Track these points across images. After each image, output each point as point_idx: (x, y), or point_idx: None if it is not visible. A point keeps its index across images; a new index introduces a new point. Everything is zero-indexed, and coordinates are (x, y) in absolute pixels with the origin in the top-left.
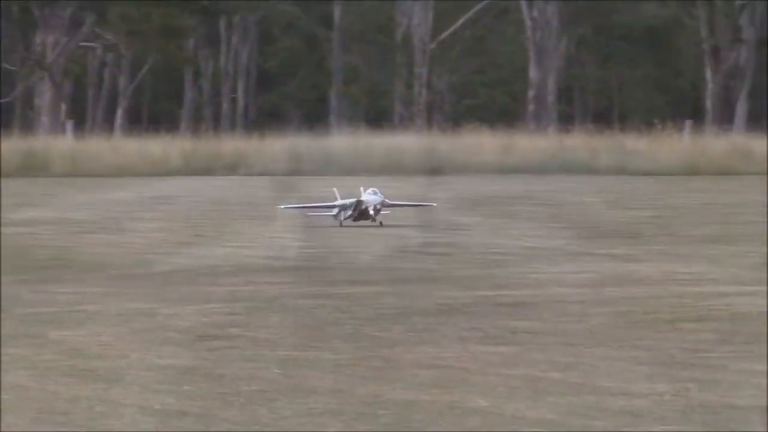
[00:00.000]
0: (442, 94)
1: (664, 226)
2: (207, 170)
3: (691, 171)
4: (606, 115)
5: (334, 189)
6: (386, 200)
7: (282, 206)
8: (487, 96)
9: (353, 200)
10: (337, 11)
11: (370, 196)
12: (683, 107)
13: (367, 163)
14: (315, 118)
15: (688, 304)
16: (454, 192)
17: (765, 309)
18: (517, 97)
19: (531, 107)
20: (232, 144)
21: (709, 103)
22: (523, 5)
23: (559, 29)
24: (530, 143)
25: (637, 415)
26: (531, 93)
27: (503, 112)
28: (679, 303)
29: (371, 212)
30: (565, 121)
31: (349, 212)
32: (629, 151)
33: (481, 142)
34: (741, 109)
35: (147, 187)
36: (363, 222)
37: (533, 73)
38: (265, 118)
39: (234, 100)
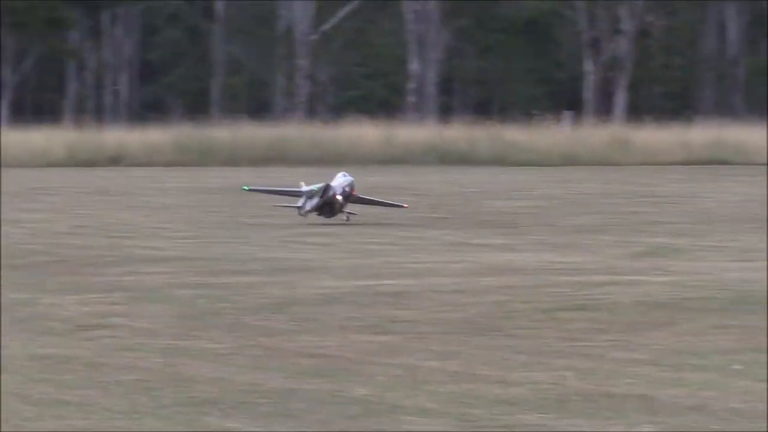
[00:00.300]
0: (323, 86)
1: (542, 216)
2: (90, 161)
3: (570, 161)
4: (486, 106)
5: (302, 183)
6: (354, 187)
7: (246, 188)
8: (368, 88)
9: (321, 185)
10: (219, 3)
11: (338, 179)
12: (563, 98)
13: (250, 153)
14: (197, 109)
15: (566, 294)
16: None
17: (641, 299)
18: (398, 88)
19: (411, 99)
20: (115, 135)
21: (588, 94)
22: None
23: (439, 21)
24: (411, 134)
25: (514, 404)
26: (411, 85)
27: (384, 103)
28: (556, 293)
29: (339, 198)
30: (446, 112)
31: (315, 200)
32: (509, 142)
33: (362, 134)
34: (620, 100)
35: (30, 179)
36: (318, 215)
37: (413, 65)
38: (147, 110)
39: (117, 92)
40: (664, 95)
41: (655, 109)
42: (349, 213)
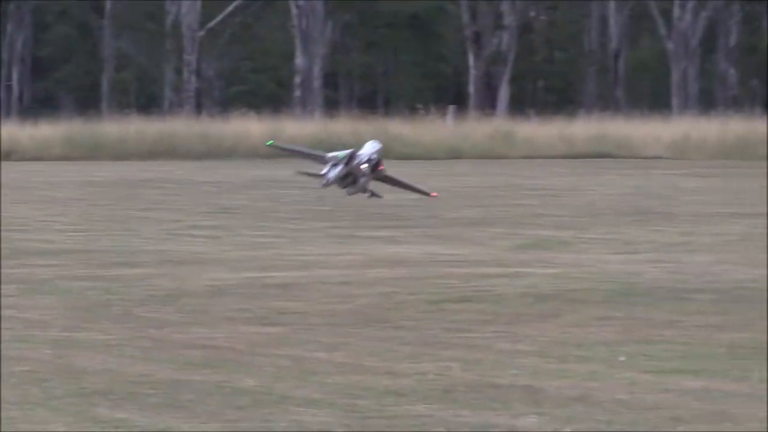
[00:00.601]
0: (210, 81)
1: (427, 209)
2: None
3: (454, 155)
4: (371, 100)
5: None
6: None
7: (269, 143)
8: (255, 82)
9: (347, 152)
10: (108, 1)
11: (367, 146)
12: (447, 93)
13: (139, 148)
14: (88, 104)
15: (452, 285)
16: (221, 176)
17: (526, 290)
18: (284, 83)
19: (297, 93)
20: (6, 130)
21: (471, 89)
22: None
23: (324, 16)
24: (297, 128)
25: (401, 394)
26: (297, 79)
27: (271, 97)
28: (442, 284)
29: (364, 167)
30: (331, 106)
31: (339, 168)
32: (393, 135)
33: (249, 128)
34: (503, 94)
35: None
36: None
37: (299, 60)
38: (39, 105)
39: (9, 87)
40: (547, 89)
41: (538, 103)
42: (373, 193)
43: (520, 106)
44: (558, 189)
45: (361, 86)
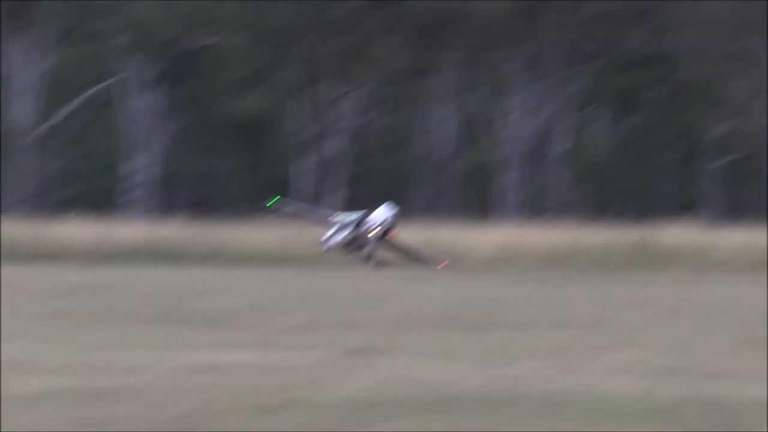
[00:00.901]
0: (46, 182)
1: (254, 313)
2: None
3: (284, 259)
4: (205, 203)
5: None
6: (395, 225)
7: (272, 201)
8: (89, 184)
9: (359, 214)
10: None
11: (381, 211)
12: (282, 195)
13: None
14: None
15: (274, 392)
16: (45, 281)
17: (345, 398)
18: (119, 185)
19: (131, 195)
20: None
21: (305, 193)
22: (126, 96)
23: (160, 119)
24: (128, 231)
25: None
26: (132, 181)
27: (104, 199)
28: (265, 390)
29: (370, 236)
30: (165, 209)
31: (346, 233)
32: (225, 239)
33: (81, 230)
34: (337, 197)
35: None
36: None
37: (134, 162)
38: None
39: None
40: (379, 192)
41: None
42: (380, 262)
43: (353, 209)
44: (383, 295)
45: (196, 188)
